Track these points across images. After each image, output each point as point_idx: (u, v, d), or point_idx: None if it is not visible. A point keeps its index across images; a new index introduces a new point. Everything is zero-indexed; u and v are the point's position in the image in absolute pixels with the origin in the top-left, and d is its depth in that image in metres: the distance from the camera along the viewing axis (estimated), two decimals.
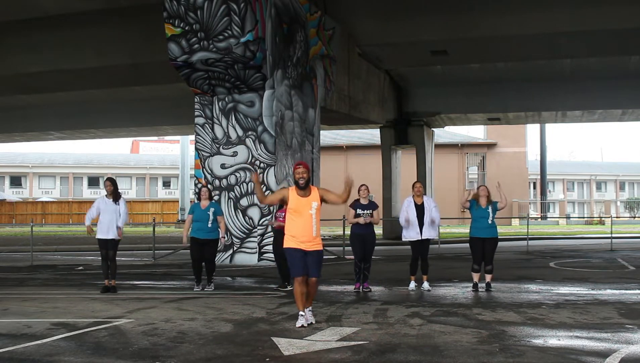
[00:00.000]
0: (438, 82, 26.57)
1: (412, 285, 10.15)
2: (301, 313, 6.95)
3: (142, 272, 13.86)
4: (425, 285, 10.09)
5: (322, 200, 7.10)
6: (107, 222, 9.93)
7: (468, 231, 10.14)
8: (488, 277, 9.91)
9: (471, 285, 10.02)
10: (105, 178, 10.84)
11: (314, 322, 7.00)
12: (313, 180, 16.99)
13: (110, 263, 10.08)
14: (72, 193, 67.00)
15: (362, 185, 10.14)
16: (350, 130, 47.30)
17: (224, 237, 10.51)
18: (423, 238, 9.98)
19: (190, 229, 10.38)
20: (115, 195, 10.04)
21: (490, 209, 9.80)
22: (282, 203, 7.25)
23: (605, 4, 17.67)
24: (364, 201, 9.96)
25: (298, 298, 6.97)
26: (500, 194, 9.88)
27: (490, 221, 9.80)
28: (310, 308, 7.12)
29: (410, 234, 10.06)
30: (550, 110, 27.67)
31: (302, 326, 6.82)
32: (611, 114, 28.27)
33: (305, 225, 6.96)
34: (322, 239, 7.76)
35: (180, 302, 8.83)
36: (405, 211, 10.03)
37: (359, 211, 9.90)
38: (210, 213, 10.18)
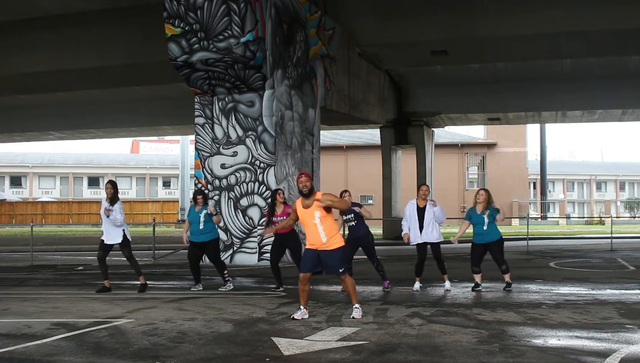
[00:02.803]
0: (438, 82, 26.58)
1: (417, 285, 10.11)
2: (300, 307, 7.38)
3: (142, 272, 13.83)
4: (447, 284, 10.04)
5: (327, 207, 7.32)
6: (108, 228, 9.96)
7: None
8: (507, 277, 9.90)
9: (473, 284, 10.02)
10: (106, 181, 10.82)
11: (358, 317, 7.29)
12: (313, 181, 16.99)
13: (129, 261, 10.13)
14: (72, 193, 67.01)
15: (344, 191, 9.98)
16: (350, 130, 47.30)
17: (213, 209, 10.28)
18: (422, 241, 9.96)
19: (188, 231, 10.38)
20: (113, 199, 10.01)
21: (485, 216, 9.71)
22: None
23: (605, 4, 17.67)
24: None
25: (300, 295, 7.44)
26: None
27: (485, 228, 9.71)
28: (356, 305, 7.43)
29: (411, 240, 10.03)
30: (550, 110, 27.68)
31: (293, 318, 7.23)
32: (611, 114, 28.28)
33: (314, 234, 7.35)
34: None
35: (180, 302, 8.83)
36: (407, 220, 9.99)
37: (345, 217, 9.87)
38: (202, 215, 10.10)
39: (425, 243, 9.97)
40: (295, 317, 7.25)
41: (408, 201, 10.34)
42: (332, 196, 7.37)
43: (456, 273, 12.41)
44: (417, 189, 10.24)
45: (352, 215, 9.86)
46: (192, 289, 10.22)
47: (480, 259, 9.90)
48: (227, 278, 10.33)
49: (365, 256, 10.22)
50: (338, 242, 7.36)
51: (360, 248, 10.10)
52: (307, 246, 7.48)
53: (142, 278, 10.19)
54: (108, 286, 10.08)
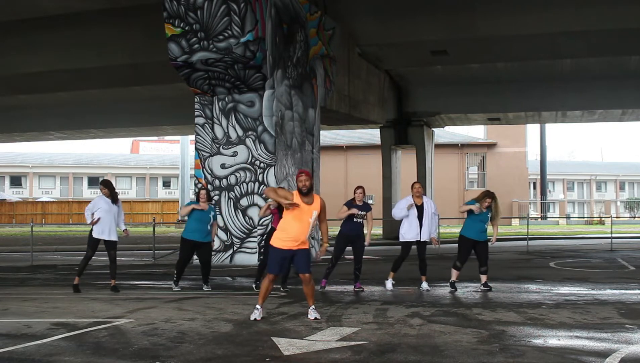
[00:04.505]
0: (438, 82, 26.57)
1: (389, 284, 10.16)
2: (257, 307, 7.37)
3: (142, 272, 13.87)
4: (424, 285, 10.10)
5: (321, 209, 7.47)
6: (109, 223, 9.98)
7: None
8: (484, 278, 9.92)
9: (474, 284, 10.04)
10: (100, 180, 10.91)
11: (319, 317, 7.29)
12: (313, 180, 16.99)
13: (111, 263, 10.18)
14: (72, 193, 67.02)
15: (358, 187, 10.13)
16: (350, 130, 47.28)
17: (213, 241, 10.48)
18: (422, 240, 10.00)
19: (190, 209, 10.21)
20: (113, 197, 10.06)
21: (489, 215, 9.85)
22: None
23: (605, 4, 17.67)
24: (358, 203, 10.02)
25: (262, 293, 7.39)
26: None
27: (485, 226, 9.89)
28: (313, 306, 7.44)
29: (409, 235, 10.04)
30: (550, 110, 27.68)
31: (255, 319, 7.22)
32: (611, 114, 28.27)
33: (302, 230, 7.31)
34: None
35: (180, 302, 8.83)
36: (404, 208, 10.02)
37: (354, 211, 9.95)
38: (211, 216, 10.24)
39: (411, 244, 10.03)
40: (257, 318, 7.26)
41: (403, 199, 10.35)
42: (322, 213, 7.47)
43: None
44: (411, 187, 10.21)
45: (364, 213, 9.93)
46: (174, 289, 10.18)
47: (468, 256, 9.94)
48: (209, 281, 10.38)
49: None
50: (308, 243, 7.49)
51: (349, 248, 10.18)
52: (277, 244, 7.32)
53: (114, 281, 10.19)
54: (78, 283, 10.11)
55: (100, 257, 10.40)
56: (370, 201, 43.73)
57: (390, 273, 10.32)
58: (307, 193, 7.31)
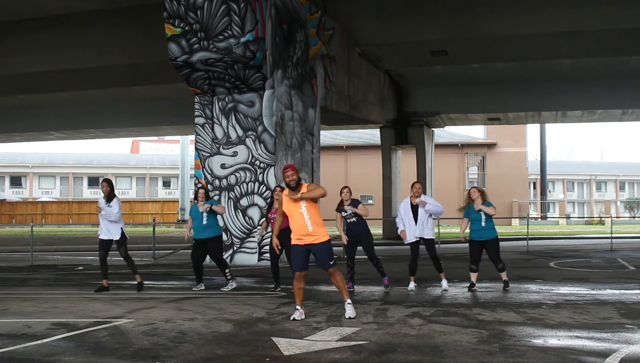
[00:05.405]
0: (438, 82, 26.59)
1: (412, 285, 10.15)
2: (297, 307, 7.34)
3: (142, 272, 13.80)
4: (444, 283, 10.03)
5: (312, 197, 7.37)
6: (106, 224, 10.00)
7: (468, 231, 10.22)
8: (503, 275, 9.96)
9: (469, 284, 10.06)
10: (102, 179, 10.94)
11: (352, 316, 7.28)
12: (313, 180, 17.00)
13: (125, 261, 10.20)
14: (72, 193, 67.00)
15: (343, 187, 10.13)
16: (350, 130, 47.29)
17: (209, 206, 10.16)
18: (417, 236, 9.98)
19: (190, 229, 10.43)
20: (109, 197, 10.07)
21: (482, 212, 9.82)
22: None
23: (605, 4, 17.68)
24: (346, 203, 10.02)
25: (295, 293, 7.41)
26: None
27: (483, 224, 9.82)
28: (349, 300, 7.42)
29: (407, 238, 10.08)
30: (550, 110, 27.69)
31: (294, 319, 7.19)
32: (611, 114, 28.29)
33: (300, 223, 7.33)
34: None
35: (180, 302, 8.83)
36: (402, 218, 10.04)
37: (344, 214, 9.98)
38: (203, 211, 10.19)
39: (417, 242, 10.01)
40: (296, 318, 7.24)
41: (402, 202, 10.40)
42: (311, 186, 7.35)
43: (456, 273, 12.42)
44: (411, 187, 10.25)
45: (352, 212, 9.91)
46: (194, 289, 10.24)
47: (479, 256, 9.98)
48: (229, 277, 10.34)
49: (365, 256, 10.25)
50: (326, 235, 7.40)
51: (359, 247, 10.14)
52: (293, 242, 7.42)
53: (138, 276, 10.27)
54: (106, 285, 10.15)
55: (107, 258, 10.36)
56: (370, 201, 43.80)
57: (410, 277, 10.26)
58: (295, 188, 7.32)
